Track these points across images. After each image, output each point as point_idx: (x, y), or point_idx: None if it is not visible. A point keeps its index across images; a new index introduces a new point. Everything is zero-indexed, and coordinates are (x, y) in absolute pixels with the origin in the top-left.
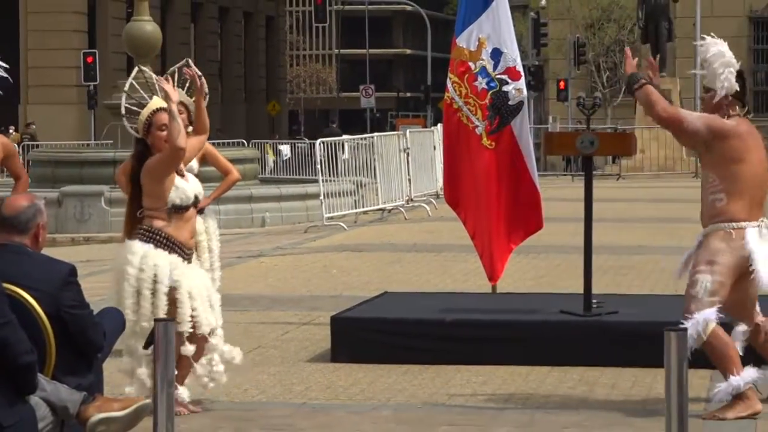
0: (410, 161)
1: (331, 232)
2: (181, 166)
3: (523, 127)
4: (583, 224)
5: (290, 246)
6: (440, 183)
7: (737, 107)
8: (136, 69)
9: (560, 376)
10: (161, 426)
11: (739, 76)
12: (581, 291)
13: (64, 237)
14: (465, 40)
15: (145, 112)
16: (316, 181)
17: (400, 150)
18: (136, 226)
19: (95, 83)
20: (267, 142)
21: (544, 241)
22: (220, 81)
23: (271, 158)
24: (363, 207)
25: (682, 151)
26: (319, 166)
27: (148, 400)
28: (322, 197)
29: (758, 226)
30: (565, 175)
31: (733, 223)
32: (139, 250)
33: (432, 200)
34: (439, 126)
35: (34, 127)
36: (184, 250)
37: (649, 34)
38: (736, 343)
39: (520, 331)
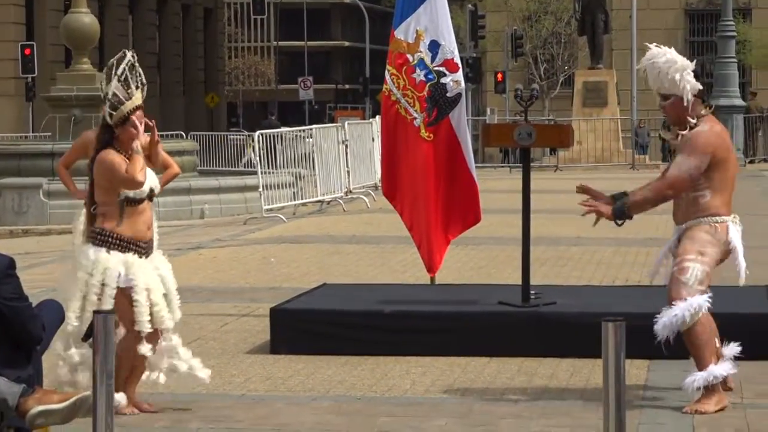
0: (349, 153)
1: (271, 224)
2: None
3: (461, 119)
4: (521, 215)
5: (229, 238)
6: (379, 175)
7: (702, 105)
8: (122, 53)
9: (499, 367)
10: (100, 418)
11: (696, 75)
12: (519, 282)
13: (3, 229)
14: (403, 32)
15: (129, 106)
16: (255, 173)
17: (339, 142)
18: (91, 224)
19: (33, 75)
20: (249, 135)
21: (483, 233)
22: (158, 73)
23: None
24: (302, 199)
25: (619, 143)
26: (258, 158)
27: (88, 393)
28: (261, 189)
29: (734, 221)
30: (503, 166)
31: (718, 218)
32: (91, 254)
33: (371, 192)
34: (378, 118)
35: None
36: (140, 245)
37: (586, 26)
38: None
39: (458, 322)
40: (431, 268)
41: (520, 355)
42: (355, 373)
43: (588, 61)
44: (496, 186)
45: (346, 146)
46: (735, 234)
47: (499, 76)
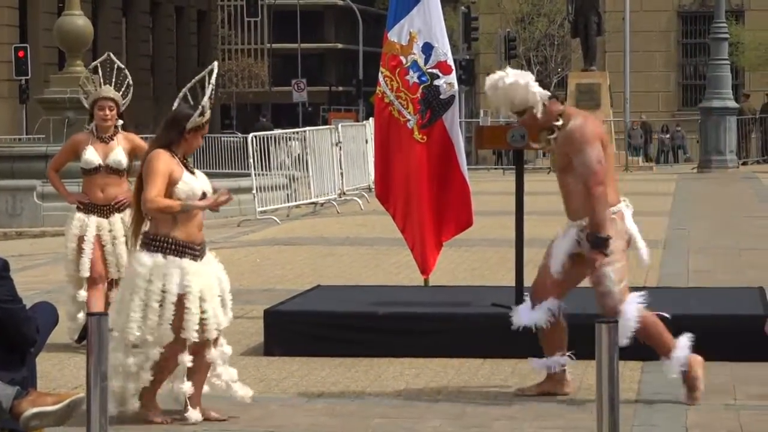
0: (342, 155)
1: (264, 226)
2: (190, 161)
3: (454, 121)
4: (514, 217)
5: (223, 240)
6: (372, 177)
7: (559, 102)
8: (211, 67)
9: (492, 369)
10: (94, 420)
11: (539, 82)
12: (513, 284)
13: None
14: (396, 35)
15: (206, 119)
16: (249, 175)
17: (333, 144)
18: (141, 227)
19: (27, 78)
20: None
21: (476, 235)
22: (152, 76)
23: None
24: (295, 201)
25: (612, 145)
26: (251, 160)
27: (82, 395)
28: (254, 191)
29: (627, 206)
30: (496, 168)
31: (613, 208)
32: (148, 261)
33: (364, 194)
34: (371, 120)
35: None
36: (195, 248)
37: (579, 28)
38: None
39: (452, 323)
40: (425, 270)
41: (514, 357)
42: (349, 374)
43: (581, 63)
44: (489, 188)
45: (340, 148)
46: (630, 220)
47: None
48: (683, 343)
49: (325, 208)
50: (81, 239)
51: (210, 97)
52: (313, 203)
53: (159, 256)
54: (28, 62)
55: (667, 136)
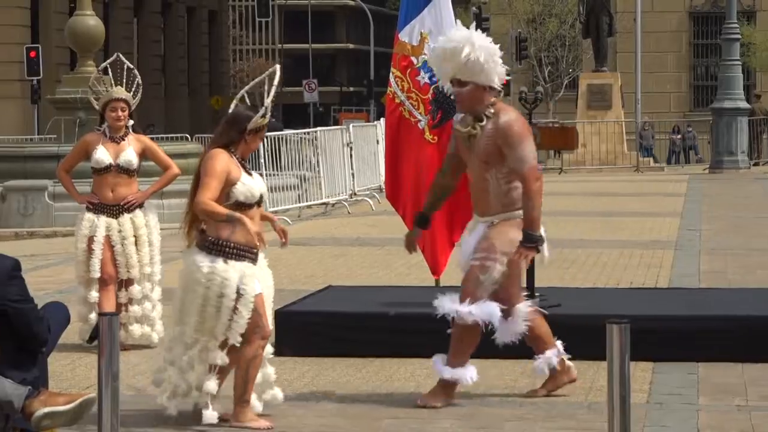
0: (353, 155)
1: None
2: (245, 163)
3: None
4: None
5: None
6: (383, 177)
7: (495, 92)
8: (272, 69)
9: (503, 369)
10: (105, 420)
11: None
12: (524, 284)
13: (8, 231)
14: (407, 35)
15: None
16: (260, 175)
17: (344, 144)
18: (196, 226)
19: (38, 78)
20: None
21: None
22: (163, 76)
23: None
24: (306, 201)
25: (623, 146)
26: (262, 161)
27: (93, 395)
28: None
29: None
30: None
31: (518, 212)
32: (207, 264)
33: (375, 194)
34: (382, 120)
35: None
36: (253, 252)
37: (590, 29)
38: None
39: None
40: (436, 270)
41: (525, 357)
42: (359, 375)
43: (592, 63)
44: None
45: (351, 148)
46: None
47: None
48: (558, 345)
49: (336, 209)
50: (91, 240)
51: (272, 99)
52: (324, 204)
53: (219, 261)
54: (39, 62)
55: (679, 136)
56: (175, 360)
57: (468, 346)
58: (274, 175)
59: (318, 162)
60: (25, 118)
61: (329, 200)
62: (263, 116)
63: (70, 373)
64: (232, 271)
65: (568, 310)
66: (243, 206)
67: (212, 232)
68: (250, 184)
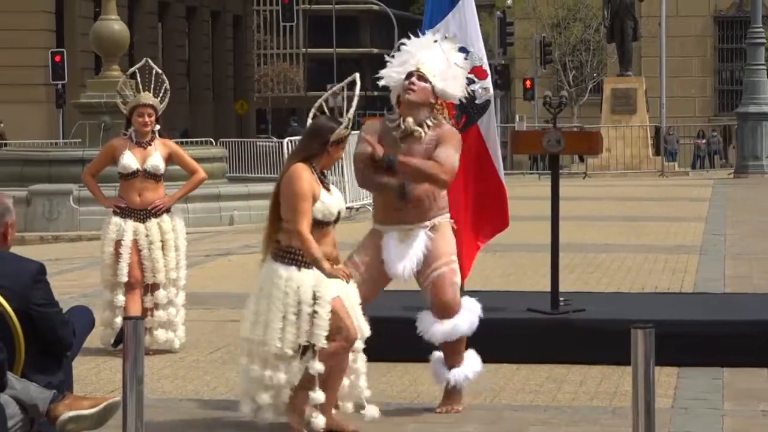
0: None
1: None
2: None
3: (490, 126)
4: (549, 222)
5: (258, 244)
6: None
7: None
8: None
9: (528, 374)
10: (130, 424)
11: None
12: (548, 289)
13: (33, 235)
14: None
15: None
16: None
17: None
18: (273, 238)
19: (63, 82)
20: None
21: (511, 240)
22: (187, 80)
23: None
24: None
25: (648, 150)
26: None
27: (118, 398)
28: None
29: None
30: (531, 173)
31: (448, 215)
32: (284, 273)
33: None
34: None
35: (2, 125)
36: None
37: (615, 33)
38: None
39: (487, 328)
40: (461, 274)
41: (549, 362)
42: (384, 379)
43: (617, 68)
44: (524, 193)
45: None
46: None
47: (528, 83)
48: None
49: (359, 213)
50: (118, 244)
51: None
52: (348, 208)
53: (293, 269)
54: (64, 67)
55: (704, 141)
56: (262, 377)
57: (460, 345)
58: None
59: (342, 166)
60: (50, 122)
61: (353, 204)
62: (346, 127)
63: (94, 377)
64: (306, 278)
65: (592, 315)
66: (320, 224)
67: (286, 242)
68: (329, 203)
